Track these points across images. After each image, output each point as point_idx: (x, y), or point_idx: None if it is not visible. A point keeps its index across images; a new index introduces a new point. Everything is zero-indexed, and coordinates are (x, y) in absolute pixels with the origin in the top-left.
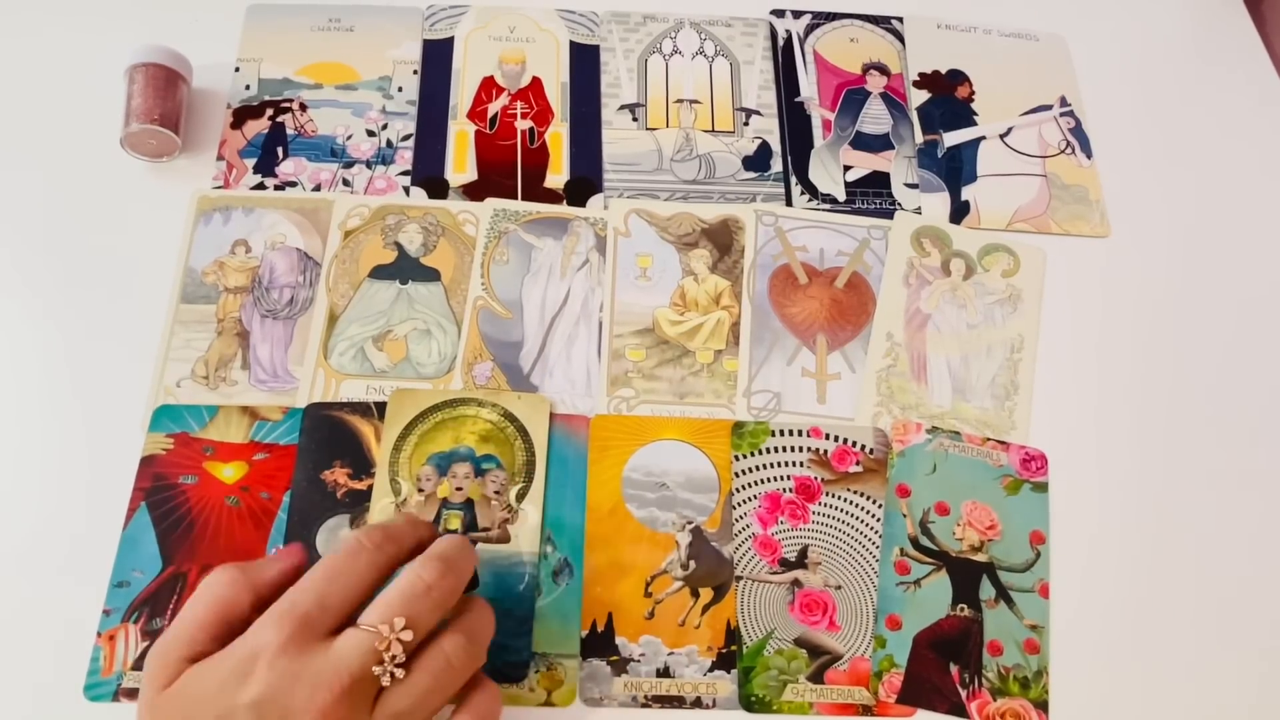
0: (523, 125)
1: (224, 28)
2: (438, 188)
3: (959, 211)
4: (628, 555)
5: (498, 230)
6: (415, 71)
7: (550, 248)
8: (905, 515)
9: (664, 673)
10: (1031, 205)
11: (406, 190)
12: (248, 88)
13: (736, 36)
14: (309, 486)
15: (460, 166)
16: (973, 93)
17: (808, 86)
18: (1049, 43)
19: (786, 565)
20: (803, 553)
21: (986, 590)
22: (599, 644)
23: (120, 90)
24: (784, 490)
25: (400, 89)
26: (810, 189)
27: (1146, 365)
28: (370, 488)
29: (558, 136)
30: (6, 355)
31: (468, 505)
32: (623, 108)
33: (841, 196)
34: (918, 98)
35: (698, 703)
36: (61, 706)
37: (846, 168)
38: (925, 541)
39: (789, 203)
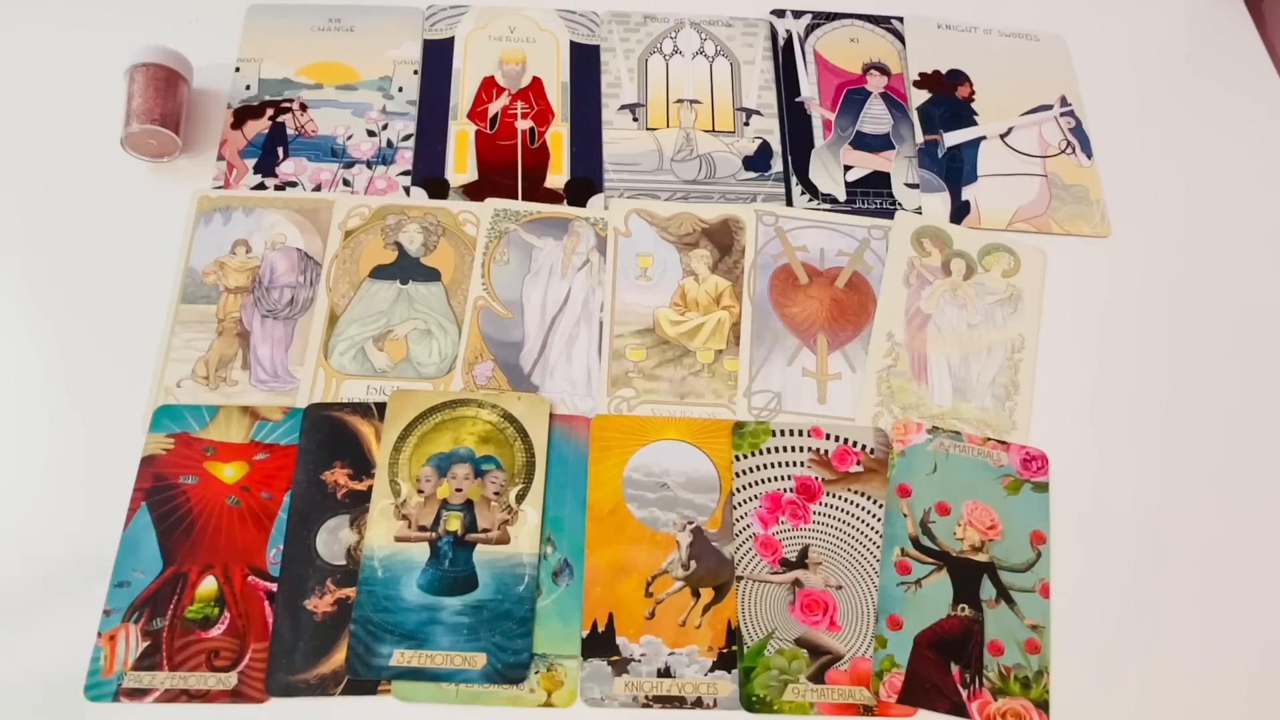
0: (523, 125)
1: (224, 28)
2: (438, 188)
3: (959, 211)
4: (628, 555)
5: (498, 230)
6: (415, 71)
7: (551, 248)
8: (906, 515)
9: (665, 673)
10: (1032, 205)
11: (407, 190)
12: (248, 88)
13: (737, 36)
14: (309, 487)
15: (461, 166)
16: (973, 93)
17: (808, 86)
18: (1049, 43)
19: (787, 565)
20: (803, 553)
21: (987, 590)
22: (599, 644)
23: (121, 90)
24: (785, 490)
25: (400, 89)
26: (810, 189)
27: (1147, 365)
28: (370, 488)
29: (558, 136)
30: (6, 355)
31: (467, 506)
32: (623, 108)
33: (842, 196)
34: (918, 98)
35: (699, 703)
36: (61, 706)
37: (847, 168)
38: (926, 541)
39: (789, 203)
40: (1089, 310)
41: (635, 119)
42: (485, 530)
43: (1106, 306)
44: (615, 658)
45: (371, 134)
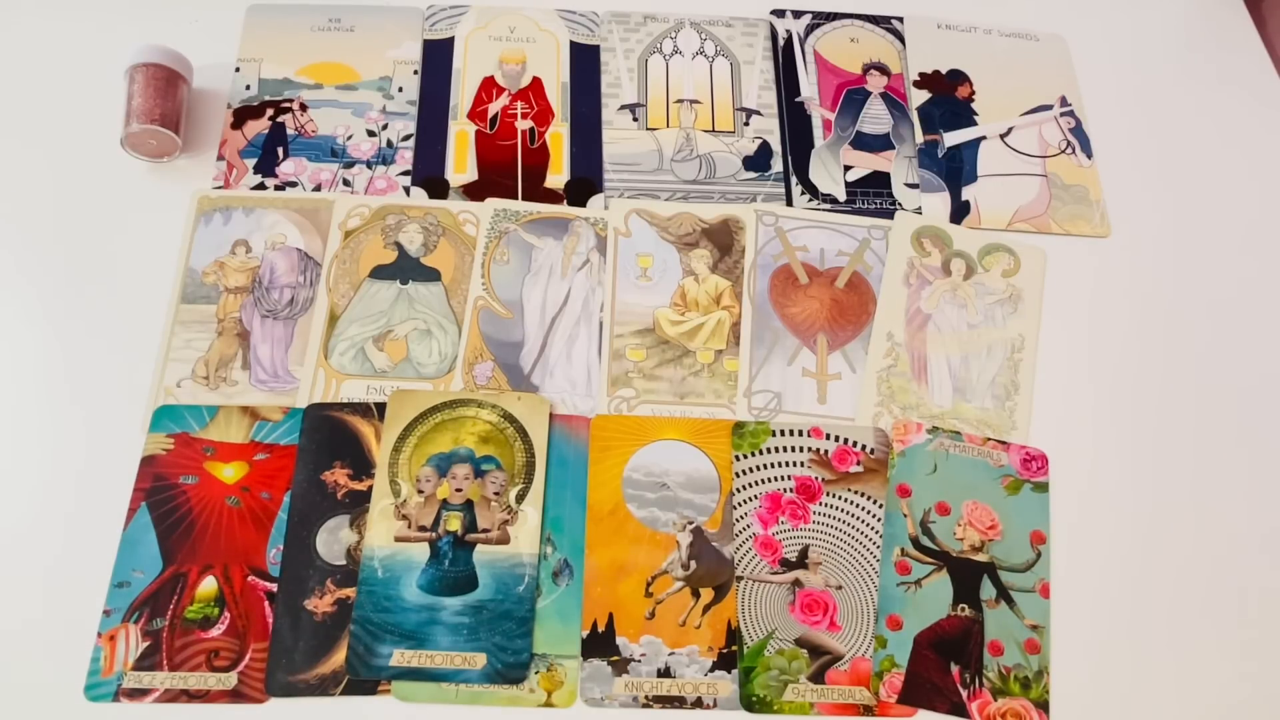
0: (523, 125)
1: (224, 28)
2: (438, 188)
3: (959, 211)
4: (628, 555)
5: (498, 230)
6: (415, 71)
7: (551, 248)
8: (906, 515)
9: (665, 673)
10: (1032, 205)
11: (407, 190)
12: (248, 88)
13: (737, 36)
14: (309, 487)
15: (461, 166)
16: (973, 93)
17: (808, 86)
18: (1049, 43)
19: (787, 565)
20: (803, 553)
21: (987, 590)
22: (599, 644)
23: (121, 90)
24: (785, 490)
25: (400, 89)
26: (810, 189)
27: (1147, 365)
28: (370, 488)
29: (558, 136)
30: (6, 355)
31: (467, 506)
32: (623, 108)
33: (842, 196)
34: (918, 98)
35: (698, 703)
36: (61, 706)
37: (847, 168)
38: (926, 541)
39: (789, 203)
40: (1089, 310)
41: (635, 119)
42: (485, 530)
43: (1106, 306)
44: (615, 658)
45: (371, 134)
